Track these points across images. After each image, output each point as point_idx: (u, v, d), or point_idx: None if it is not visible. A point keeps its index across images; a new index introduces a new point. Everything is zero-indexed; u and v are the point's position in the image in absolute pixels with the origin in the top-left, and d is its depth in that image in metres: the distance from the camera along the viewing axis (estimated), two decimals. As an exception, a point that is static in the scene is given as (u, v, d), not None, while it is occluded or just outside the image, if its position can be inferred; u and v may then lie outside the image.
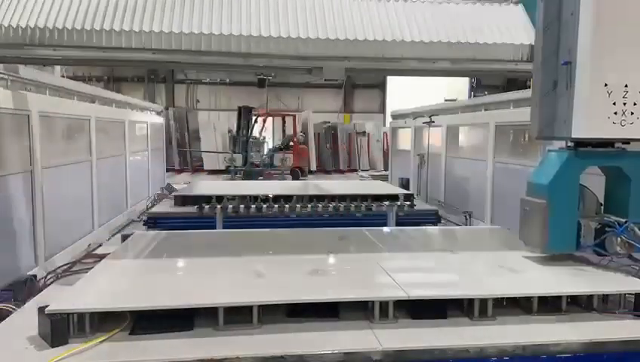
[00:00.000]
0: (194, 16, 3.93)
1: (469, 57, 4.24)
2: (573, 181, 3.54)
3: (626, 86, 3.38)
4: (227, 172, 18.66)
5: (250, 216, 5.96)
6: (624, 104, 3.37)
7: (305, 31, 3.96)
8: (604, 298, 3.22)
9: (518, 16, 4.48)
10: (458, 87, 23.33)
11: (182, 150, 22.27)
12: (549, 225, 3.50)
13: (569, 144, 3.63)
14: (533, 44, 3.94)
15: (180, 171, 21.78)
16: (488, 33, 4.24)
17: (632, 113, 3.38)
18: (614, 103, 3.38)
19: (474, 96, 22.20)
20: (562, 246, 3.60)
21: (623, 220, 3.47)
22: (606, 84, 3.37)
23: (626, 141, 3.57)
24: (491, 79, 21.14)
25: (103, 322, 2.81)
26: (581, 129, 3.43)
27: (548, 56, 3.70)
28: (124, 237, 4.61)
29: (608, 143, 3.58)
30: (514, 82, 13.70)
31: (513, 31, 4.34)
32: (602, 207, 3.73)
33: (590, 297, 3.20)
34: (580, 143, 3.58)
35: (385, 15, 4.27)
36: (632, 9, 3.35)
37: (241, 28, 3.92)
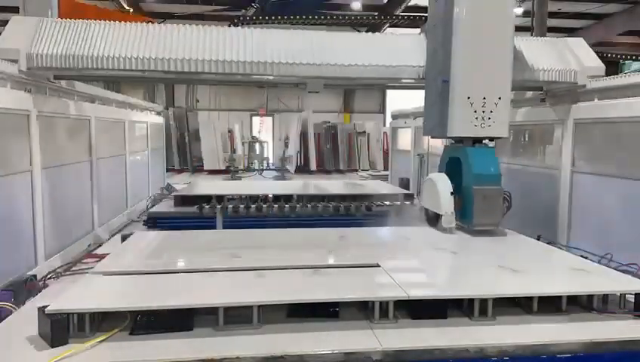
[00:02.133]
0: (226, 48, 4.99)
1: (386, 76, 5.20)
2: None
3: (484, 98, 4.62)
4: (227, 172, 18.67)
5: (250, 216, 5.96)
6: (483, 112, 4.64)
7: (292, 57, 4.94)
8: (604, 298, 3.23)
9: (419, 44, 5.41)
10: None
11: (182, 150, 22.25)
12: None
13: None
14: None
15: (180, 171, 21.77)
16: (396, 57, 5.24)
17: (489, 118, 4.67)
18: (475, 111, 4.63)
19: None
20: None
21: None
22: (469, 97, 4.62)
23: (491, 138, 4.96)
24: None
25: (103, 322, 2.82)
26: (454, 130, 4.73)
27: (433, 76, 4.93)
28: (124, 237, 4.61)
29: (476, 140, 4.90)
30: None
31: (414, 55, 5.30)
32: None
33: (590, 297, 3.20)
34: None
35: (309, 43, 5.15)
36: (486, 44, 4.59)
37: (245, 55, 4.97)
